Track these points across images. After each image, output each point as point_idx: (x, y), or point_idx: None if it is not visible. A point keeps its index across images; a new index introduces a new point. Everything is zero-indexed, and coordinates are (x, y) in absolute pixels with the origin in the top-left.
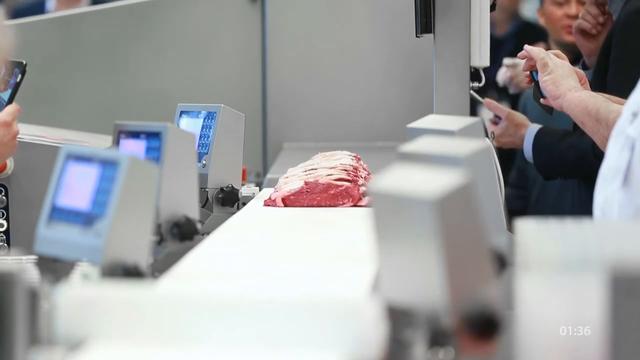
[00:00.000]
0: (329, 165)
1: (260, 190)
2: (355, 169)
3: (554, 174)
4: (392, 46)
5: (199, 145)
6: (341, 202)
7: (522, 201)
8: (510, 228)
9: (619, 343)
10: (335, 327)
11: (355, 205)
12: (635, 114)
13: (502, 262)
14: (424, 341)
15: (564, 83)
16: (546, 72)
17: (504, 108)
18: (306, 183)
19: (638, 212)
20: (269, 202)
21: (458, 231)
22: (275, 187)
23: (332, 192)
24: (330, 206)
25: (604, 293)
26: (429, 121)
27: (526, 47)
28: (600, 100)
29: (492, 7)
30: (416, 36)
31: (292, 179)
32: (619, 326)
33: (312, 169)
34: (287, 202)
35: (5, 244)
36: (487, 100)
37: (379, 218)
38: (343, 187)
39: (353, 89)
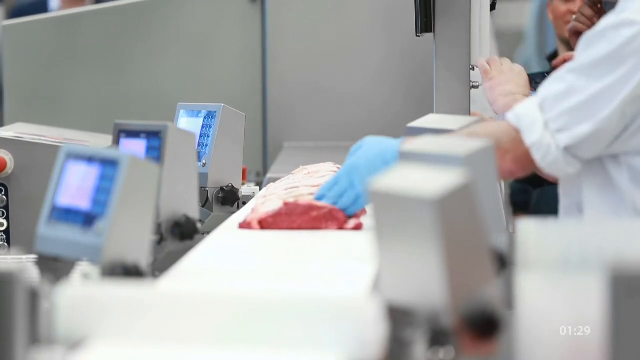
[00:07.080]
0: (312, 183)
1: (260, 189)
2: None
3: (538, 180)
4: (392, 46)
5: (199, 145)
6: (324, 226)
7: (525, 195)
8: (514, 220)
9: (619, 343)
10: (335, 326)
11: (340, 229)
12: None
13: (502, 262)
14: (424, 341)
15: (499, 89)
16: (487, 79)
17: None
18: (285, 204)
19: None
20: (244, 225)
21: (458, 231)
22: (253, 207)
23: (314, 214)
24: (312, 229)
25: (604, 293)
26: (429, 120)
27: (477, 60)
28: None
29: (492, 7)
30: (416, 35)
31: (270, 199)
32: (619, 326)
33: (294, 187)
34: (264, 224)
35: (5, 244)
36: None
37: (379, 218)
38: (326, 209)
39: (353, 89)
